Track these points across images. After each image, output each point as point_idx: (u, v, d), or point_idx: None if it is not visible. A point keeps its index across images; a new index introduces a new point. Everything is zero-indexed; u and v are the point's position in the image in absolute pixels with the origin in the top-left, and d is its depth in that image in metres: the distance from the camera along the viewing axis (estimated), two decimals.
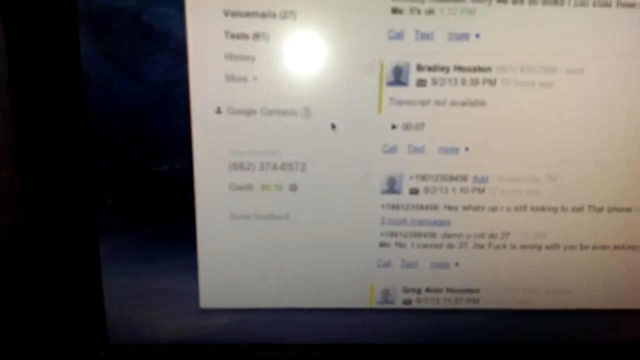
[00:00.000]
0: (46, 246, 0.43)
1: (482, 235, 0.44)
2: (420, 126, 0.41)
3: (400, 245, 0.44)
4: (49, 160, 0.42)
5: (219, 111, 0.40)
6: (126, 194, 0.42)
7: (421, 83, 0.40)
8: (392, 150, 0.42)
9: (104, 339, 0.45)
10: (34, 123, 0.41)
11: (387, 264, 0.44)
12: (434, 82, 0.40)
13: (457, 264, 0.44)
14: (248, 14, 0.38)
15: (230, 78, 0.39)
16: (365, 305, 0.45)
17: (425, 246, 0.44)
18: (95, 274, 0.43)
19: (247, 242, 0.43)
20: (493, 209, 0.43)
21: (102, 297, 0.44)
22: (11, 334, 0.44)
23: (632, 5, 0.39)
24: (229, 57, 0.39)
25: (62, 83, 0.40)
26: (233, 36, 0.39)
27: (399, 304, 0.45)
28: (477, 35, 0.39)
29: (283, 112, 0.40)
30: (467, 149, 0.42)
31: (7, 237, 0.42)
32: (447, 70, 0.40)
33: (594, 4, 0.39)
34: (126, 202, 0.42)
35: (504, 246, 0.44)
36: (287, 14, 0.38)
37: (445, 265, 0.45)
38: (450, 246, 0.44)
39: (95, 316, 0.45)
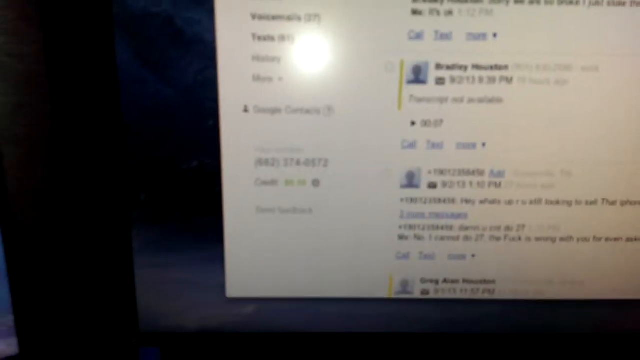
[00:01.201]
0: (82, 240, 0.45)
1: (498, 228, 0.45)
2: (438, 123, 0.42)
3: (418, 237, 0.45)
4: (85, 158, 0.43)
5: (246, 110, 0.41)
6: (158, 189, 0.43)
7: (440, 81, 0.41)
8: (412, 145, 0.43)
9: (136, 327, 0.47)
10: (72, 125, 0.42)
11: (405, 256, 0.45)
12: (453, 80, 0.41)
13: (473, 255, 0.46)
14: (274, 18, 0.40)
15: (257, 78, 0.41)
16: (384, 295, 0.47)
17: (442, 238, 0.45)
18: (128, 265, 0.45)
19: (271, 234, 0.45)
20: (509, 203, 0.44)
21: (134, 287, 0.45)
22: (48, 323, 0.45)
23: None
24: (256, 58, 0.40)
25: (98, 85, 0.41)
26: (260, 38, 0.40)
27: (417, 295, 0.47)
28: (495, 35, 0.40)
29: (307, 111, 0.42)
30: (484, 144, 0.43)
31: (45, 231, 0.43)
32: (465, 68, 0.41)
33: (609, 3, 0.40)
34: (158, 197, 0.43)
35: (519, 238, 0.45)
36: (311, 17, 0.40)
37: (462, 257, 0.46)
38: (467, 238, 0.45)
39: (127, 305, 0.46)
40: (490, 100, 0.42)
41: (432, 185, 0.44)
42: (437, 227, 0.45)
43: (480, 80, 0.41)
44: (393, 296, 0.47)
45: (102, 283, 0.46)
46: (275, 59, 0.41)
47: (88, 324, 0.47)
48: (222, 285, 0.46)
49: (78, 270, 0.46)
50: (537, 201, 0.44)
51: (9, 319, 0.43)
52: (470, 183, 0.44)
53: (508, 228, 0.45)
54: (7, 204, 0.41)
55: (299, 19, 0.40)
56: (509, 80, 0.41)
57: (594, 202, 0.44)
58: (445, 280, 0.46)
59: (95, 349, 0.48)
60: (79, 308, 0.47)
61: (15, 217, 0.42)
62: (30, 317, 0.44)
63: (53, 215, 0.43)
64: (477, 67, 0.41)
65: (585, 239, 0.45)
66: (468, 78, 0.41)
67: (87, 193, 0.44)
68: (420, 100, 0.42)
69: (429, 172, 0.43)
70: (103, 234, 0.45)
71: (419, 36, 0.40)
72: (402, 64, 0.41)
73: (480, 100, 0.42)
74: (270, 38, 0.40)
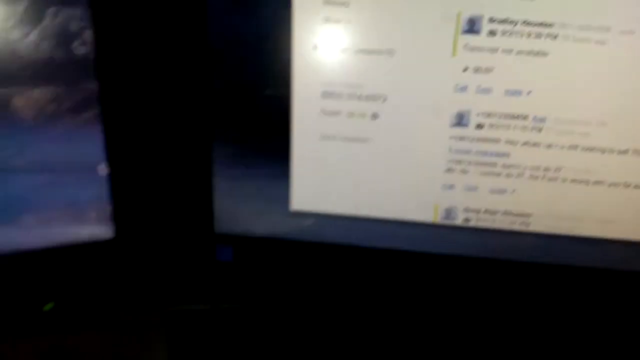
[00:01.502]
0: (171, 150, 0.51)
1: (537, 168, 0.48)
2: (488, 70, 0.46)
3: (464, 171, 0.49)
4: (175, 80, 0.49)
5: (315, 48, 0.46)
6: (238, 112, 0.49)
7: (492, 33, 0.45)
8: (463, 89, 0.46)
9: (211, 228, 0.52)
10: (164, 47, 0.49)
11: (451, 187, 0.49)
12: (504, 33, 0.45)
13: (513, 191, 0.49)
14: None
15: (327, 20, 0.46)
16: (429, 220, 0.51)
17: (486, 174, 0.49)
18: (207, 174, 0.50)
19: (333, 159, 0.49)
20: (548, 146, 0.47)
21: (212, 194, 0.51)
22: (140, 215, 0.52)
23: None
24: (327, 2, 0.45)
25: (190, 15, 0.47)
26: None
27: (459, 222, 0.51)
28: None
29: (370, 52, 0.46)
30: (529, 92, 0.46)
31: (141, 135, 0.50)
32: (515, 23, 0.44)
33: None
34: (237, 119, 0.49)
35: (556, 179, 0.48)
36: None
37: (502, 191, 0.49)
38: (508, 175, 0.49)
39: (205, 209, 0.52)
40: (537, 54, 0.45)
41: (480, 126, 0.47)
42: (481, 164, 0.48)
43: (529, 35, 0.44)
44: (438, 221, 0.51)
45: (185, 187, 0.52)
46: (344, 4, 0.45)
47: (172, 221, 0.53)
48: (287, 200, 0.51)
49: (166, 174, 0.52)
50: (574, 147, 0.47)
51: (108, 209, 0.50)
52: (514, 126, 0.47)
53: (546, 169, 0.48)
54: (109, 108, 0.47)
55: None
56: (554, 37, 0.44)
57: (625, 152, 0.47)
58: (486, 211, 0.50)
59: (177, 243, 0.54)
60: (166, 206, 0.53)
61: (114, 119, 0.48)
62: (125, 207, 0.50)
63: (149, 122, 0.50)
64: (526, 22, 0.44)
65: (616, 184, 0.48)
66: (517, 32, 0.44)
67: (176, 110, 0.50)
68: (473, 49, 0.45)
69: (477, 114, 0.47)
70: (188, 146, 0.51)
71: None
72: (459, 15, 0.44)
73: (527, 53, 0.45)
74: None
